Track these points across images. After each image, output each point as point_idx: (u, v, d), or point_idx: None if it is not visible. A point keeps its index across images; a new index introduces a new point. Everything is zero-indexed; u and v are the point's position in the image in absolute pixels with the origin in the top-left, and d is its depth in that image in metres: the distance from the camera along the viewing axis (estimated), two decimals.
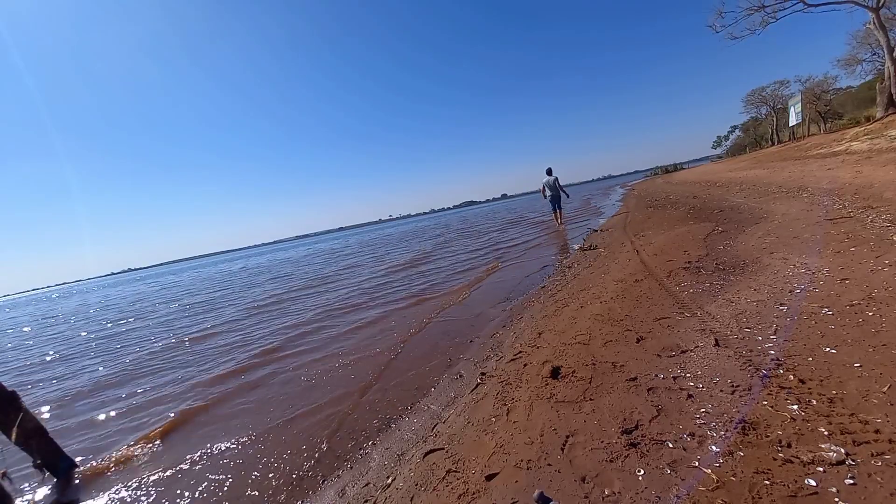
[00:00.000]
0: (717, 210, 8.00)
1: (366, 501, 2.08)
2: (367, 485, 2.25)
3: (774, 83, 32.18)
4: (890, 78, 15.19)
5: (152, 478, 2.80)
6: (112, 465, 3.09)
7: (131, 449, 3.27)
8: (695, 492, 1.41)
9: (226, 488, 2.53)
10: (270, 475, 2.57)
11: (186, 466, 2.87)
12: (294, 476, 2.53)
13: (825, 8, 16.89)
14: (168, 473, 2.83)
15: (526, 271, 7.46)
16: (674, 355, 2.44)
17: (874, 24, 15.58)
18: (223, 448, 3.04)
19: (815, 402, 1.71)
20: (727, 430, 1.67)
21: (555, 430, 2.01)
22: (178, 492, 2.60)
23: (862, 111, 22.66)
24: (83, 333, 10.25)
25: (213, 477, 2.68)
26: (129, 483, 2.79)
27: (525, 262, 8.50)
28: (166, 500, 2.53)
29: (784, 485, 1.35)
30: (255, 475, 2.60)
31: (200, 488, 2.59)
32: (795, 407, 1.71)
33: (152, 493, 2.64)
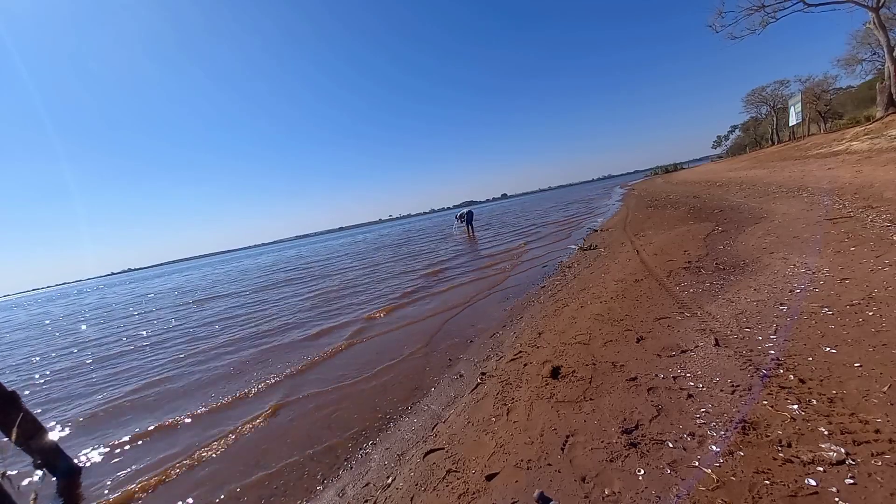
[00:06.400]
0: (717, 210, 8.00)
1: (366, 501, 2.08)
2: (367, 485, 2.25)
3: (774, 83, 32.14)
4: (890, 77, 15.17)
5: None
6: None
7: None
8: (695, 491, 1.41)
9: None
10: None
11: None
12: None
13: (825, 8, 16.87)
14: None
15: None
16: (674, 355, 2.44)
17: (874, 23, 15.57)
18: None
19: (815, 401, 1.71)
20: (727, 430, 1.67)
21: (555, 429, 2.01)
22: None
23: (862, 111, 22.62)
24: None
25: None
26: None
27: None
28: None
29: (784, 485, 1.35)
30: None
31: None
32: (795, 407, 1.71)
33: None
